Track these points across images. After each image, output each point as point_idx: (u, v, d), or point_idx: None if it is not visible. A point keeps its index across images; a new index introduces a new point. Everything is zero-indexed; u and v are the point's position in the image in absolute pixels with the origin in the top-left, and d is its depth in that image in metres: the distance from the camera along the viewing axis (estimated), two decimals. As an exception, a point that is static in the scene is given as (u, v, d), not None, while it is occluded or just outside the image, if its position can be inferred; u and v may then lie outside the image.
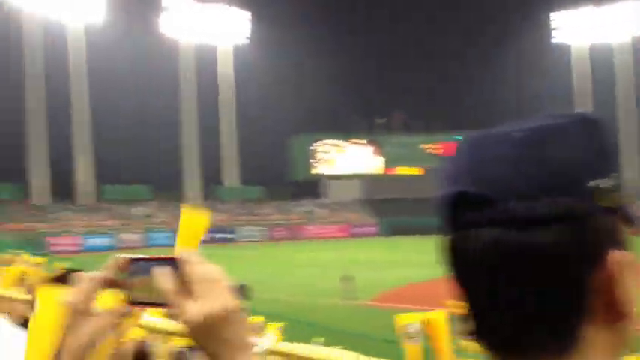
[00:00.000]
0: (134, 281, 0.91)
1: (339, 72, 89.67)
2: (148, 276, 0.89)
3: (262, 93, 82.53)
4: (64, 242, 55.14)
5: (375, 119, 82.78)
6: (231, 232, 67.16)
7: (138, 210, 67.80)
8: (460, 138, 0.79)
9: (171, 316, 0.91)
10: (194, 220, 3.90)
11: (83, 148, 69.34)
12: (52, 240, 54.41)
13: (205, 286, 0.83)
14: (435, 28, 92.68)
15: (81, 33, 68.81)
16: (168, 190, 72.01)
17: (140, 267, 0.91)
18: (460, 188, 0.72)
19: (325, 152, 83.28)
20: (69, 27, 68.49)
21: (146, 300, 0.90)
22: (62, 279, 2.13)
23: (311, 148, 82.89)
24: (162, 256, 0.90)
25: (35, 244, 44.72)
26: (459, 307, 0.80)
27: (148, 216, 67.32)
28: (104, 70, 70.30)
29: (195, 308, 0.81)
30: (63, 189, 66.70)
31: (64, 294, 0.93)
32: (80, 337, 0.90)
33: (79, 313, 0.90)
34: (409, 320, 4.77)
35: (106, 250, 53.30)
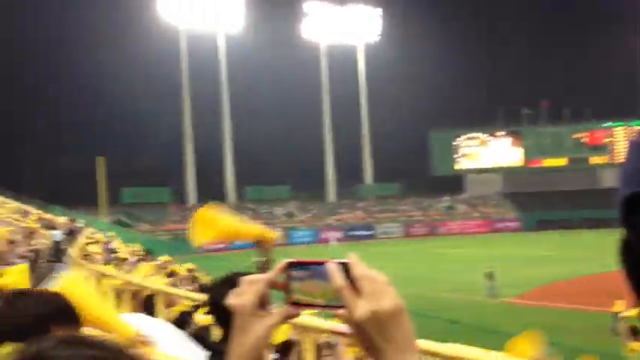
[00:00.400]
0: (294, 284, 0.95)
1: (475, 64, 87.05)
2: (310, 279, 0.94)
3: (396, 89, 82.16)
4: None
5: (522, 110, 79.17)
6: (371, 228, 67.59)
7: (279, 209, 70.35)
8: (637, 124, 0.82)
9: (335, 316, 0.95)
10: (207, 217, 4.17)
11: (227, 152, 73.40)
12: (203, 239, 57.80)
13: (374, 286, 0.86)
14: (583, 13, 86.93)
15: (222, 43, 72.98)
16: (307, 189, 74.01)
17: (300, 270, 0.96)
18: (634, 189, 0.71)
19: (468, 146, 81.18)
20: (212, 38, 72.88)
21: (308, 302, 0.95)
22: (231, 282, 2.19)
23: (454, 143, 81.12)
24: (321, 260, 0.94)
25: (189, 244, 47.83)
26: (628, 306, 0.83)
27: (288, 215, 69.62)
28: (246, 77, 74.05)
29: (365, 306, 0.85)
30: (211, 191, 71.00)
31: (233, 296, 0.98)
32: (249, 339, 0.94)
33: (247, 314, 0.94)
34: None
35: (249, 249, 55.84)
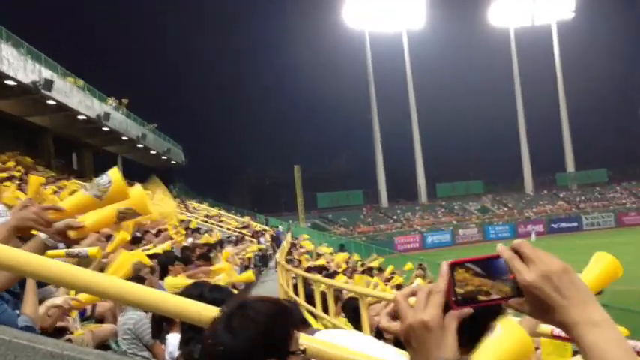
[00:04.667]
0: (459, 284, 0.98)
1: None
2: (473, 277, 0.98)
3: (594, 66, 75.70)
4: (407, 240, 58.55)
5: None
6: (576, 220, 62.89)
7: (472, 205, 68.47)
8: None
9: (511, 307, 0.99)
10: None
11: (417, 150, 73.33)
12: (397, 239, 58.29)
13: (536, 254, 0.94)
14: None
15: (406, 41, 73.29)
16: (502, 182, 71.12)
17: (462, 269, 0.99)
18: None
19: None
20: (397, 37, 73.51)
21: (474, 298, 0.98)
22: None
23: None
24: (483, 255, 0.99)
25: (383, 244, 48.57)
26: None
27: (482, 210, 67.47)
28: (431, 73, 73.59)
29: (535, 270, 0.93)
30: (402, 191, 71.47)
31: (418, 311, 1.00)
32: (447, 352, 0.97)
33: (438, 328, 0.98)
34: None
35: (445, 247, 55.09)
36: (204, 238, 13.86)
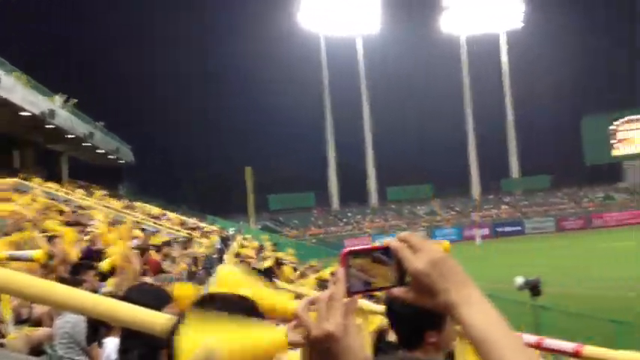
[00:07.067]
0: (353, 272, 1.02)
1: (626, 41, 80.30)
2: (367, 265, 1.03)
3: (541, 76, 77.89)
4: (357, 243, 58.97)
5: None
6: (519, 224, 64.64)
7: (421, 209, 69.56)
8: None
9: (396, 295, 1.05)
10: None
11: (368, 154, 74.02)
12: (347, 242, 58.59)
13: (422, 243, 1.02)
14: None
15: (360, 45, 73.90)
16: (451, 187, 72.40)
17: (357, 258, 1.03)
18: None
19: (626, 130, 75.05)
20: (351, 42, 74.00)
21: (364, 288, 1.03)
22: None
23: (610, 127, 75.41)
24: (377, 245, 1.04)
25: (333, 247, 48.79)
26: None
27: (431, 214, 68.63)
28: (385, 78, 74.38)
29: (423, 257, 1.00)
30: (353, 194, 71.96)
31: (322, 323, 1.03)
32: (356, 354, 1.06)
33: (335, 341, 1.03)
34: None
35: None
36: (154, 239, 13.61)
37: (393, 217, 67.87)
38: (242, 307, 1.40)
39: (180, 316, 1.19)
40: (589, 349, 3.52)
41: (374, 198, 72.51)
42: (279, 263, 17.28)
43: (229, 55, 77.40)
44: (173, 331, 1.21)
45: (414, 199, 70.49)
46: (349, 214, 68.36)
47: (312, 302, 1.03)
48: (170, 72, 78.42)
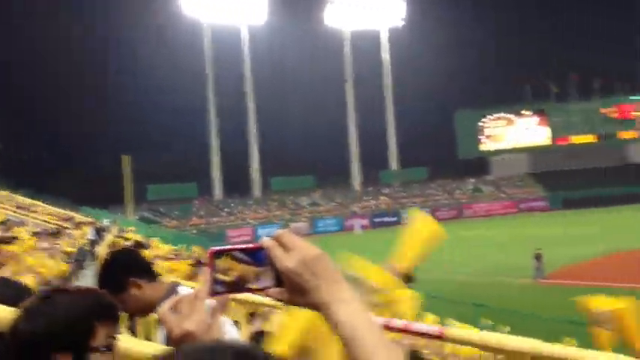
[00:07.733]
0: (219, 273, 1.02)
1: (500, 41, 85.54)
2: (235, 264, 1.03)
3: (420, 72, 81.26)
4: (240, 234, 58.76)
5: (550, 86, 77.91)
6: (395, 215, 67.27)
7: (304, 199, 70.45)
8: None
9: (265, 295, 1.05)
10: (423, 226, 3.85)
11: (252, 144, 73.70)
12: (230, 232, 58.20)
13: (295, 242, 1.03)
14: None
15: (245, 35, 73.16)
16: (332, 178, 73.79)
17: (223, 258, 1.02)
18: None
19: (494, 127, 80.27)
20: (236, 31, 73.07)
21: (232, 288, 1.02)
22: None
23: (479, 124, 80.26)
24: (249, 245, 1.03)
25: (215, 238, 48.26)
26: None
27: (313, 204, 69.68)
28: (269, 67, 74.26)
29: (294, 256, 1.01)
30: (236, 184, 71.35)
31: (181, 323, 1.06)
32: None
33: (194, 338, 1.06)
34: (598, 306, 4.38)
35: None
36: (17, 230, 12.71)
37: (277, 208, 68.18)
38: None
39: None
40: (450, 331, 3.71)
41: (257, 188, 72.37)
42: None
43: (108, 40, 74.00)
44: None
45: (297, 189, 71.21)
46: (232, 205, 67.77)
47: (176, 304, 1.04)
48: (47, 56, 73.46)
